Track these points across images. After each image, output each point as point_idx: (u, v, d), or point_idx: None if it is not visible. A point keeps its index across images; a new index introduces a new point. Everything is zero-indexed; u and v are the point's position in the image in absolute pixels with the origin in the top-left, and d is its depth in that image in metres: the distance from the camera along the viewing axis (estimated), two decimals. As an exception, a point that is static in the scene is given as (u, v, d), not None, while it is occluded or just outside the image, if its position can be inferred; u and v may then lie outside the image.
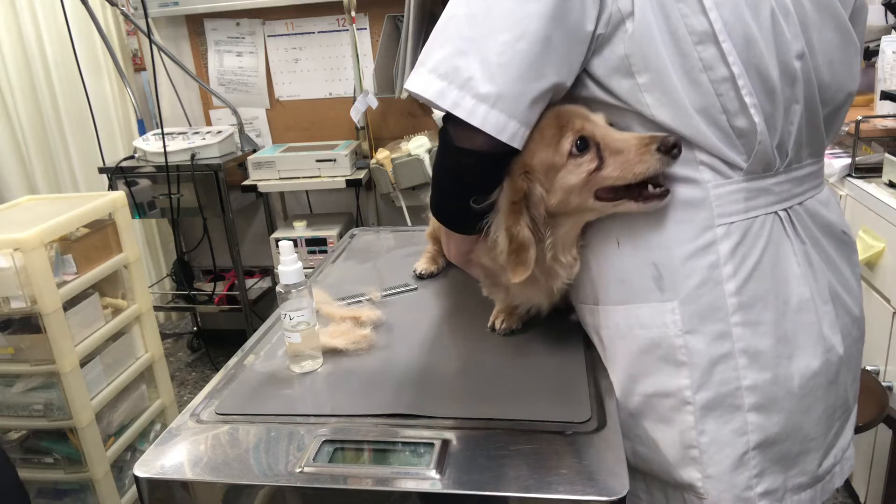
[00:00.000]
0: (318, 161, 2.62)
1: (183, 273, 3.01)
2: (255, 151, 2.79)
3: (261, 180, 2.65)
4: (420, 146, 2.50)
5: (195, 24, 2.86)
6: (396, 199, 2.62)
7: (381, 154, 2.58)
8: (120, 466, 1.95)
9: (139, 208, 2.67)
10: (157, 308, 2.80)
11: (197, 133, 2.73)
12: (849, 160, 1.83)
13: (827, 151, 1.93)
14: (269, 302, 2.98)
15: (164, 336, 3.01)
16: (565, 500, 0.69)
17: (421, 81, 0.77)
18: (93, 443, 1.78)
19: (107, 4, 2.74)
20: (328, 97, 2.89)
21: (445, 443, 0.78)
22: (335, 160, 2.61)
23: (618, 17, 0.76)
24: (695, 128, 0.78)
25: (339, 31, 2.77)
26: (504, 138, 0.76)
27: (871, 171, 1.79)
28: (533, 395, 0.87)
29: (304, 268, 0.95)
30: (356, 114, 2.66)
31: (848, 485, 1.90)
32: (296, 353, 0.97)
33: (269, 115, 2.95)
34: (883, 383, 1.60)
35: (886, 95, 1.82)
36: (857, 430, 1.32)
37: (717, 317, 0.81)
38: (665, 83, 0.76)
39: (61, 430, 1.78)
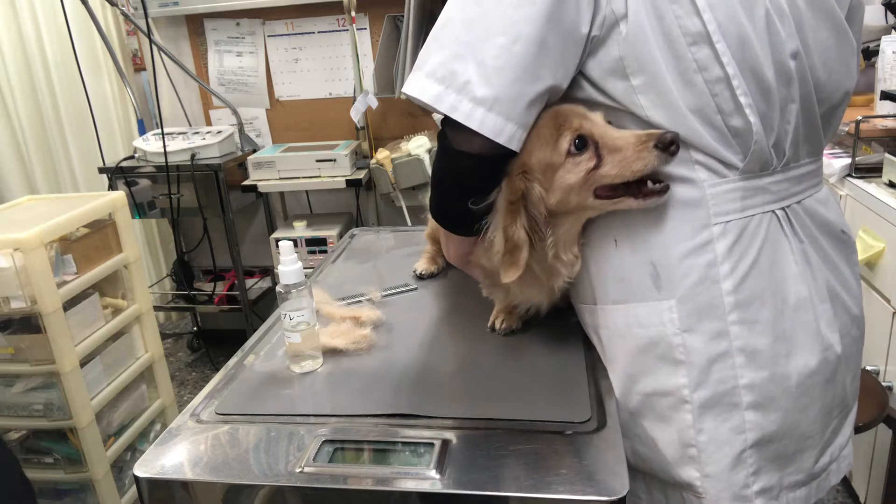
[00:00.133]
0: (318, 161, 2.62)
1: (183, 273, 3.02)
2: (255, 151, 2.79)
3: (261, 180, 2.65)
4: (420, 146, 2.50)
5: (195, 24, 2.86)
6: (396, 199, 2.62)
7: (381, 154, 2.58)
8: (120, 466, 1.95)
9: (139, 208, 2.67)
10: (157, 308, 2.80)
11: (197, 133, 2.73)
12: (849, 160, 1.83)
13: (827, 151, 1.93)
14: (269, 302, 2.98)
15: (164, 336, 3.01)
16: (565, 500, 0.69)
17: (418, 85, 0.78)
18: (93, 443, 1.78)
19: (107, 4, 2.74)
20: (328, 97, 2.89)
21: (445, 443, 0.78)
22: (335, 160, 2.61)
23: (612, 20, 0.76)
24: (690, 128, 0.78)
25: (339, 31, 2.78)
26: (502, 141, 0.76)
27: (871, 171, 1.79)
28: (533, 395, 0.88)
29: (304, 268, 0.95)
30: (356, 114, 2.66)
31: (848, 485, 1.90)
32: (296, 353, 0.98)
33: (269, 115, 2.96)
34: (883, 383, 1.60)
35: (886, 95, 1.82)
36: (857, 430, 1.32)
37: (715, 315, 0.81)
38: (659, 84, 0.76)
39: (61, 430, 1.78)
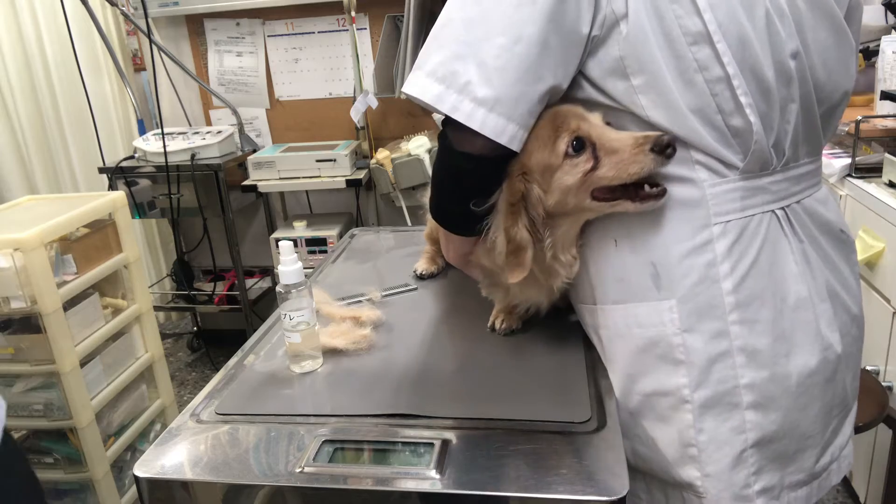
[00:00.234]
0: (318, 161, 2.62)
1: (183, 273, 3.02)
2: (255, 151, 2.79)
3: (261, 180, 2.65)
4: (420, 146, 2.50)
5: (195, 24, 2.86)
6: (396, 199, 2.62)
7: (381, 154, 2.58)
8: (120, 466, 1.95)
9: (139, 208, 2.67)
10: (157, 308, 2.80)
11: (197, 133, 2.73)
12: (849, 160, 1.83)
13: (827, 151, 1.93)
14: (269, 302, 2.98)
15: (164, 336, 3.01)
16: (565, 500, 0.69)
17: (419, 85, 0.78)
18: (93, 443, 1.78)
19: (107, 4, 2.74)
20: (328, 97, 2.89)
21: (445, 443, 0.78)
22: (335, 160, 2.61)
23: (612, 19, 0.76)
24: (690, 128, 0.78)
25: (339, 31, 2.78)
26: (503, 141, 0.76)
27: (871, 171, 1.78)
28: (533, 395, 0.88)
29: (304, 268, 0.95)
30: (356, 114, 2.66)
31: (848, 485, 1.90)
32: (296, 353, 0.98)
33: (269, 115, 2.96)
34: (883, 383, 1.60)
35: (886, 95, 1.82)
36: (858, 430, 1.32)
37: (715, 315, 0.81)
38: (660, 84, 0.76)
39: (61, 430, 1.78)
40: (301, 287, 0.95)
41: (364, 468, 0.77)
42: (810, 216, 0.87)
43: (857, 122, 1.78)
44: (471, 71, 0.74)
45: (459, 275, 1.16)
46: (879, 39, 1.94)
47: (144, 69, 3.04)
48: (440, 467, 0.74)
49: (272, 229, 3.00)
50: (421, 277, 1.30)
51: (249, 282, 2.96)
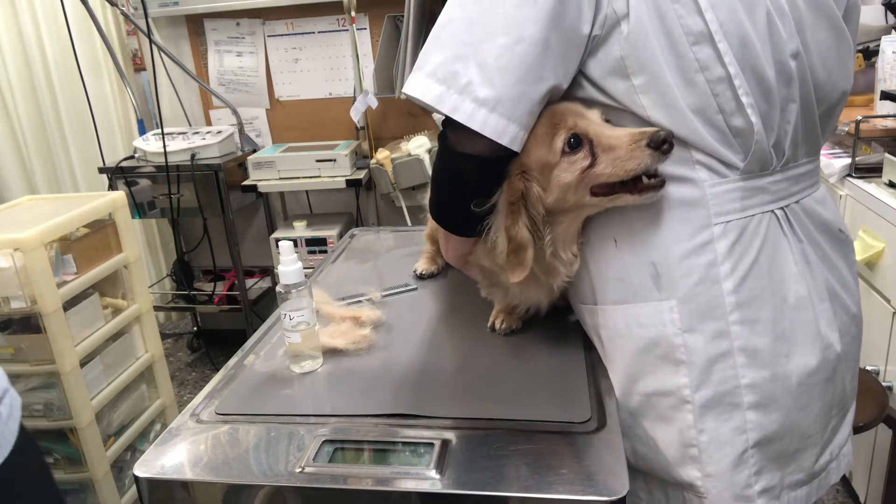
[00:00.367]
0: (318, 161, 2.62)
1: (183, 273, 3.02)
2: (255, 151, 2.79)
3: (261, 180, 2.65)
4: (420, 146, 2.50)
5: (195, 24, 2.86)
6: (396, 199, 2.62)
7: (381, 154, 2.58)
8: (120, 466, 1.95)
9: (139, 208, 2.67)
10: (157, 308, 2.80)
11: (197, 133, 2.73)
12: (849, 160, 1.83)
13: (827, 151, 1.93)
14: (269, 302, 2.98)
15: (164, 336, 3.01)
16: (565, 500, 0.69)
17: (420, 86, 0.77)
18: (93, 443, 1.78)
19: (107, 4, 2.74)
20: (328, 97, 2.89)
21: (445, 443, 0.78)
22: (335, 160, 2.61)
23: (613, 19, 0.76)
24: (691, 128, 0.78)
25: (339, 31, 2.78)
26: (504, 142, 0.76)
27: (871, 171, 1.78)
28: (533, 396, 0.88)
29: (304, 268, 0.95)
30: (356, 114, 2.66)
31: (848, 485, 1.90)
32: (296, 353, 0.98)
33: (269, 115, 2.96)
34: (883, 383, 1.60)
35: (886, 95, 1.82)
36: (857, 430, 1.32)
37: (716, 315, 0.81)
38: (660, 84, 0.76)
39: (61, 430, 1.78)
40: (301, 287, 0.95)
41: (364, 468, 0.77)
42: (809, 216, 0.87)
43: (857, 122, 1.78)
44: (472, 71, 0.74)
45: (459, 275, 1.16)
46: (879, 39, 1.94)
47: (144, 69, 3.04)
48: (440, 467, 0.74)
49: (272, 229, 3.00)
50: (421, 277, 1.30)
51: (249, 282, 2.96)
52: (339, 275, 1.37)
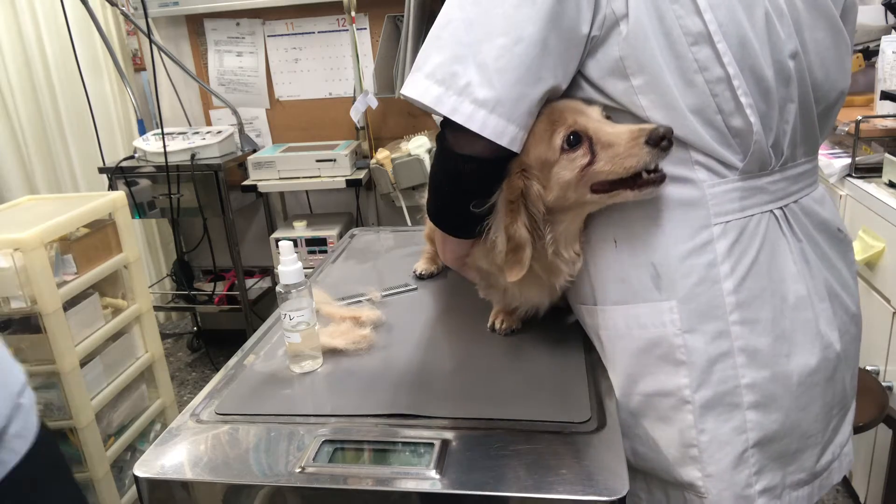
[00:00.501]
0: (318, 161, 2.62)
1: (183, 273, 3.02)
2: (255, 151, 2.79)
3: (261, 180, 2.65)
4: (420, 146, 2.50)
5: (195, 24, 2.86)
6: (396, 199, 2.62)
7: (381, 154, 2.58)
8: (120, 466, 1.95)
9: (139, 208, 2.67)
10: (157, 308, 2.80)
11: (197, 133, 2.73)
12: (849, 160, 1.83)
13: (827, 151, 1.93)
14: (269, 302, 2.98)
15: (164, 336, 3.01)
16: (565, 500, 0.69)
17: (419, 87, 0.77)
18: (93, 443, 1.78)
19: (107, 4, 2.74)
20: (328, 97, 2.89)
21: (445, 443, 0.78)
22: (335, 160, 2.61)
23: (612, 20, 0.76)
24: (690, 129, 0.78)
25: (339, 31, 2.78)
26: (503, 143, 0.76)
27: (871, 171, 1.78)
28: (533, 396, 0.88)
29: (304, 268, 0.95)
30: (356, 114, 2.66)
31: (848, 485, 1.90)
32: (296, 353, 0.98)
33: (269, 115, 2.96)
34: (883, 383, 1.60)
35: (886, 95, 1.82)
36: (858, 430, 1.32)
37: (716, 315, 0.81)
38: (660, 85, 0.76)
39: (61, 429, 1.77)
40: (301, 287, 0.95)
41: (364, 468, 0.77)
42: (808, 216, 0.87)
43: (857, 122, 1.78)
44: (471, 72, 0.74)
45: (459, 275, 1.16)
46: (879, 39, 1.94)
47: (144, 69, 3.04)
48: (440, 467, 0.74)
49: (272, 229, 3.00)
50: (421, 277, 1.30)
51: (249, 282, 2.96)
52: (339, 275, 1.37)
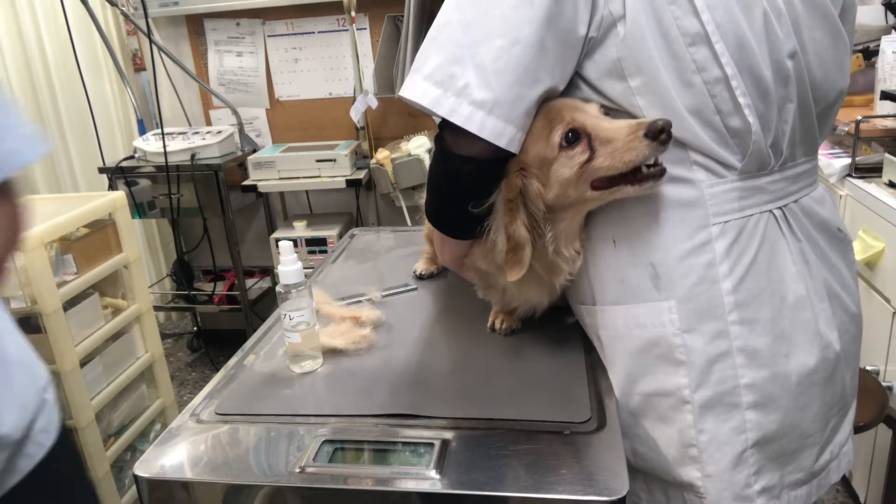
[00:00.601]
0: (318, 161, 2.62)
1: (183, 273, 3.02)
2: (255, 151, 2.79)
3: (261, 180, 2.65)
4: (420, 146, 2.50)
5: (195, 24, 2.86)
6: (396, 199, 2.62)
7: (381, 154, 2.58)
8: (120, 466, 1.95)
9: (139, 208, 2.67)
10: (157, 308, 2.80)
11: (197, 133, 2.73)
12: (849, 160, 1.83)
13: (827, 151, 1.93)
14: (269, 302, 2.98)
15: (164, 336, 3.01)
16: (565, 500, 0.69)
17: (417, 89, 0.77)
18: (93, 443, 1.78)
19: (107, 4, 2.74)
20: (328, 97, 2.89)
21: (445, 443, 0.78)
22: (335, 160, 2.61)
23: (609, 21, 0.76)
24: (688, 129, 0.78)
25: (339, 31, 2.78)
26: (502, 144, 0.76)
27: (871, 171, 1.78)
28: (533, 396, 0.88)
29: (304, 268, 0.95)
30: (356, 114, 2.66)
31: (848, 485, 1.90)
32: (296, 353, 0.98)
33: (269, 115, 2.96)
34: (883, 383, 1.60)
35: (886, 95, 1.82)
36: (858, 430, 1.32)
37: (715, 315, 0.81)
38: (657, 86, 0.76)
39: (61, 430, 1.78)
40: (301, 287, 0.95)
41: (364, 468, 0.77)
42: (807, 215, 0.87)
43: (857, 122, 1.78)
44: (469, 74, 0.74)
45: (459, 275, 1.16)
46: (879, 39, 1.94)
47: (144, 69, 3.04)
48: (440, 467, 0.74)
49: (272, 229, 3.00)
50: (421, 277, 1.30)
51: (249, 282, 2.96)
52: (339, 275, 1.37)
